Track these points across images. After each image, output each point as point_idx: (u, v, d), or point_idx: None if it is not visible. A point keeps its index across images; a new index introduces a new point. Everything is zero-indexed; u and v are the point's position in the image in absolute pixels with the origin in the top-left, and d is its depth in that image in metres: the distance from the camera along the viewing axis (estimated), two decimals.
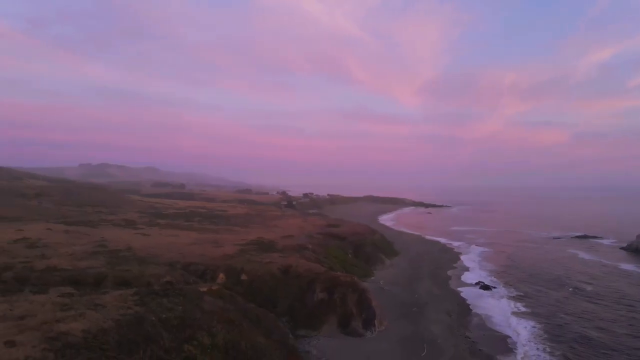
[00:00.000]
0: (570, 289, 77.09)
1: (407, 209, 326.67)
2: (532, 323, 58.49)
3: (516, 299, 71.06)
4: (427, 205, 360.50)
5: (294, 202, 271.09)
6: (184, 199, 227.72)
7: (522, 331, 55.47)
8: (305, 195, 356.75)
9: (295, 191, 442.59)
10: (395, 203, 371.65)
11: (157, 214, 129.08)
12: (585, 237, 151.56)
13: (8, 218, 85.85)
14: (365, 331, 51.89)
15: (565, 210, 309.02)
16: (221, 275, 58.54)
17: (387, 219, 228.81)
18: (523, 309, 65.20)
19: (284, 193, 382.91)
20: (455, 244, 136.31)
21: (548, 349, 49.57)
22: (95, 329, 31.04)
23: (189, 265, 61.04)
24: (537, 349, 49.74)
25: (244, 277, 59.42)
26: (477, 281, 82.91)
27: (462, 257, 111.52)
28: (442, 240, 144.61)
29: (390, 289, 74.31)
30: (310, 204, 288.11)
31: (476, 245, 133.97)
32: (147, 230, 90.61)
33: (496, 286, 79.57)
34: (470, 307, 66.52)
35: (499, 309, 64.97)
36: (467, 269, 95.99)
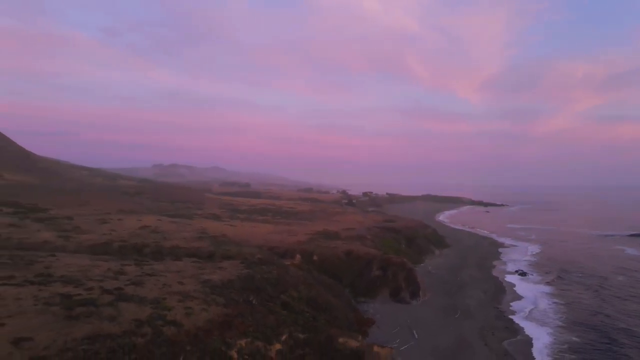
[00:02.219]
0: (601, 279, 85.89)
1: (464, 208, 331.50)
2: (554, 301, 69.57)
3: (548, 284, 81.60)
4: (486, 205, 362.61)
5: (354, 201, 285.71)
6: (253, 197, 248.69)
7: (544, 306, 66.88)
8: (365, 194, 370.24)
9: (355, 190, 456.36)
10: (453, 202, 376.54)
11: (235, 209, 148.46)
12: (639, 235, 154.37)
13: (125, 211, 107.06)
14: (411, 300, 65.77)
15: (631, 210, 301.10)
16: (297, 256, 74.28)
17: (443, 217, 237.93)
18: (551, 291, 75.98)
19: (344, 192, 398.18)
20: (506, 240, 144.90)
21: (563, 319, 60.90)
22: (226, 279, 47.53)
23: (272, 248, 77.44)
24: (552, 318, 61.27)
25: (315, 258, 75.00)
26: (517, 269, 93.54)
27: (509, 251, 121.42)
28: (494, 236, 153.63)
29: (436, 272, 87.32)
30: (369, 203, 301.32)
31: (526, 241, 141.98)
32: (231, 222, 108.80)
33: (534, 274, 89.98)
34: (505, 288, 78.14)
35: (529, 291, 76.00)
36: (511, 261, 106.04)
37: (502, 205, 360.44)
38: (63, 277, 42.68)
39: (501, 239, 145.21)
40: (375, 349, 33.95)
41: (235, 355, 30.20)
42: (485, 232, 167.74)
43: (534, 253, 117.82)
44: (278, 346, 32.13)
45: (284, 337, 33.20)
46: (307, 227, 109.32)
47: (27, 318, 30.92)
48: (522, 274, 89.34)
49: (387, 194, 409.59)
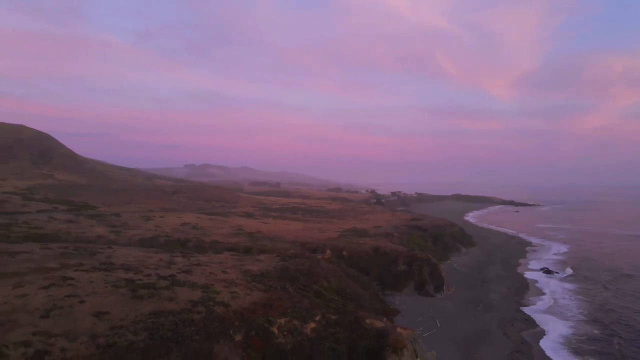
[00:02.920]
0: (625, 277, 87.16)
1: (494, 208, 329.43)
2: (575, 297, 72.05)
3: (571, 281, 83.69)
4: (516, 204, 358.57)
5: (383, 200, 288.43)
6: (283, 197, 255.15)
7: (565, 302, 69.49)
8: (393, 193, 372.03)
9: (384, 190, 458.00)
10: (483, 202, 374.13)
11: (267, 208, 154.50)
12: None
13: (166, 209, 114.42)
14: (435, 293, 69.56)
15: None
16: (328, 251, 78.94)
17: (472, 217, 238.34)
18: (573, 288, 78.19)
19: (373, 191, 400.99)
20: (534, 239, 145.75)
21: (582, 314, 63.46)
22: (264, 269, 52.65)
23: (304, 244, 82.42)
24: (571, 313, 63.97)
25: (344, 253, 79.57)
26: (542, 267, 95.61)
27: (536, 250, 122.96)
28: (522, 235, 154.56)
29: (461, 269, 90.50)
30: (397, 202, 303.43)
31: (554, 240, 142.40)
32: (265, 220, 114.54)
33: (558, 272, 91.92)
34: (529, 284, 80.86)
35: (552, 287, 78.57)
36: (537, 259, 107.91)
37: (533, 205, 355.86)
38: (123, 265, 48.82)
39: (529, 238, 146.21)
40: (399, 329, 38.13)
41: (276, 331, 35.11)
42: (513, 231, 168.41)
43: (561, 252, 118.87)
44: (313, 325, 36.86)
45: (317, 318, 37.91)
46: (337, 225, 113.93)
47: (101, 297, 36.76)
48: (547, 271, 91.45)
49: (415, 193, 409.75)
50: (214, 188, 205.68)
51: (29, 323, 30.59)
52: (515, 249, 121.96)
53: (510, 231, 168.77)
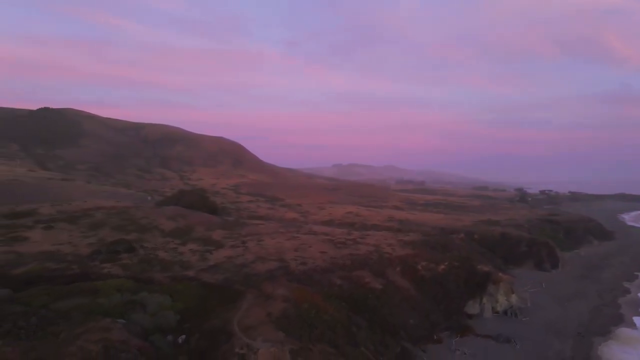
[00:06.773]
0: None
1: None
2: None
3: None
4: None
5: (529, 199, 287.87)
6: (427, 194, 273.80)
7: None
8: (542, 192, 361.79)
9: (535, 188, 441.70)
10: None
11: (413, 203, 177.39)
12: None
13: (333, 202, 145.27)
14: (551, 269, 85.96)
15: None
16: (462, 235, 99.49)
17: (628, 217, 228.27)
18: None
19: (520, 190, 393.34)
20: None
21: None
22: (411, 240, 76.80)
23: (443, 228, 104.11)
24: None
25: (476, 236, 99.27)
26: None
27: None
28: None
29: (586, 256, 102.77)
30: (545, 200, 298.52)
31: None
32: (411, 212, 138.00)
33: None
34: None
35: None
36: None
37: None
38: (322, 233, 77.50)
39: None
40: (499, 273, 58.85)
41: (420, 268, 59.35)
42: None
43: None
44: (442, 266, 60.17)
45: (446, 263, 61.11)
46: (473, 217, 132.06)
47: (319, 245, 65.06)
48: None
49: (569, 192, 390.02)
50: (367, 186, 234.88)
51: (290, 252, 59.93)
52: None
53: None
